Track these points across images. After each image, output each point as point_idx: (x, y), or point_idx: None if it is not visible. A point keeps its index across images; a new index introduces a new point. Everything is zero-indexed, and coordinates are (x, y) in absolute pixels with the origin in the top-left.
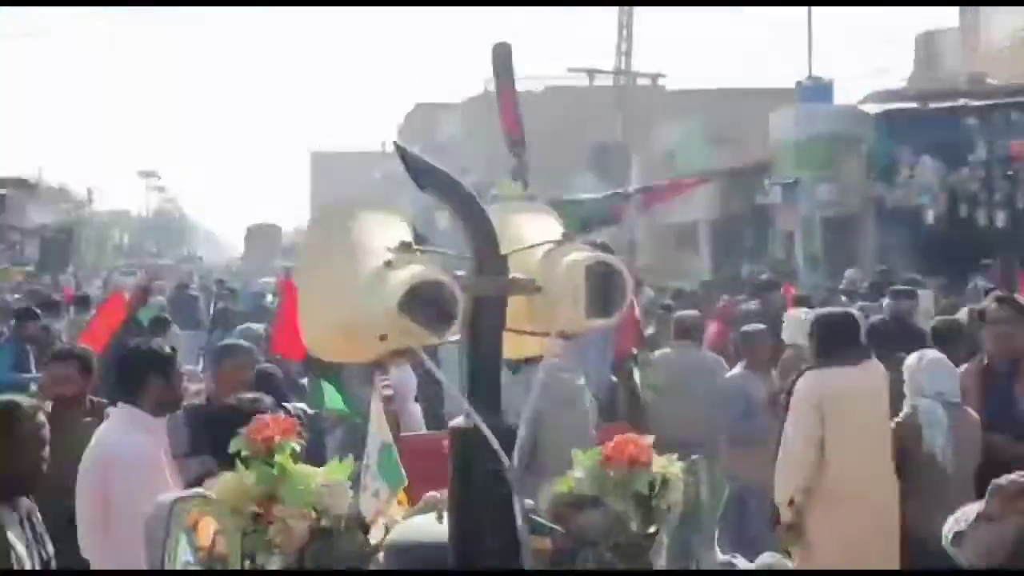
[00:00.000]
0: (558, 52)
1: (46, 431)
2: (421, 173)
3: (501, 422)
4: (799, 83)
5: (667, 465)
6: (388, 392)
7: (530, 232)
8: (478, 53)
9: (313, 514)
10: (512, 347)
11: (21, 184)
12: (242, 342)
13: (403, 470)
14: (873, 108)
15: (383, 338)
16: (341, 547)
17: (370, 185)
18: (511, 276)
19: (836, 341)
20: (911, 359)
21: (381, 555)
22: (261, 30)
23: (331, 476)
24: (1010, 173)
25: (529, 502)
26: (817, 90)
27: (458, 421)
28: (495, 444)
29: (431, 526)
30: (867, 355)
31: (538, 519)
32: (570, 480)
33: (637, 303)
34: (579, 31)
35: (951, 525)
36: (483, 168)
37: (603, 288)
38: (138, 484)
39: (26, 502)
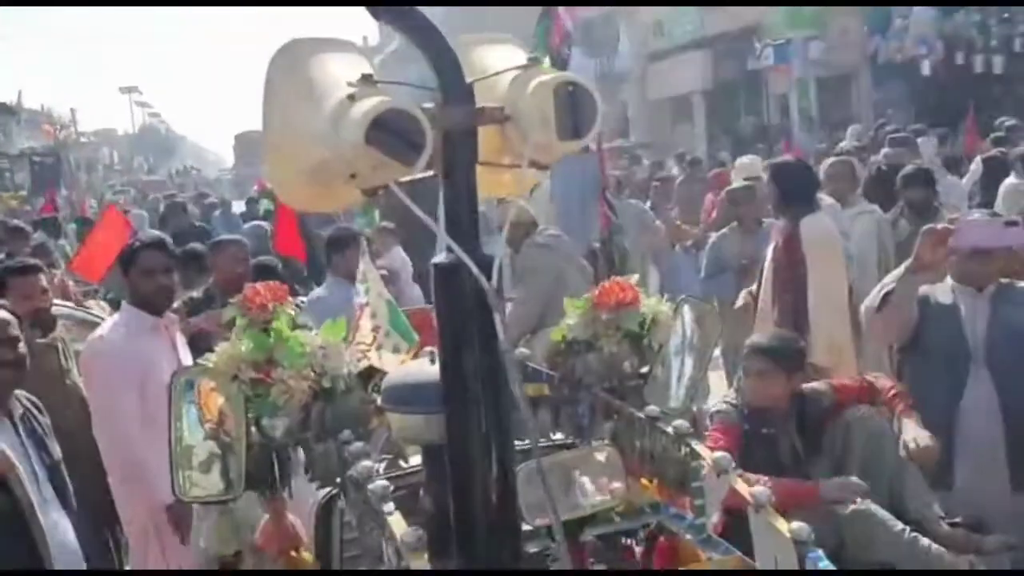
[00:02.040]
0: None
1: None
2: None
3: (480, 253)
4: None
5: (656, 304)
6: (383, 273)
7: (494, 61)
8: None
9: (312, 375)
10: (488, 185)
11: (1, 109)
12: (237, 237)
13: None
14: None
15: (354, 176)
16: (345, 404)
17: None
18: (478, 106)
19: (812, 190)
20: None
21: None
22: None
23: (327, 338)
24: (1006, 16)
25: (526, 351)
26: None
27: (439, 257)
28: (476, 271)
29: (423, 367)
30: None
31: (535, 366)
32: (563, 328)
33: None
34: None
35: (875, 294)
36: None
37: (572, 109)
38: (115, 376)
39: (20, 406)
